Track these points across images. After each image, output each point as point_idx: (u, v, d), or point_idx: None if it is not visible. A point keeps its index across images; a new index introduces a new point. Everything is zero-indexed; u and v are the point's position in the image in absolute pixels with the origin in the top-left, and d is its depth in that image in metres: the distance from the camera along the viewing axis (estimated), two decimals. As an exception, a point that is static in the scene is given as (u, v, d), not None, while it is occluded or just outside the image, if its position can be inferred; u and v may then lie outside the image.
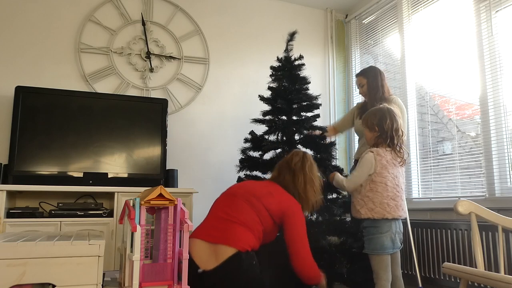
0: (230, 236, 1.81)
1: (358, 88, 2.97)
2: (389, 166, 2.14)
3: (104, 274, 1.62)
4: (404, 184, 2.24)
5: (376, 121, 2.18)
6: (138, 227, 1.52)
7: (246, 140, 2.83)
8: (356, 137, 3.87)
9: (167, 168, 3.02)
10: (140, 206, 1.58)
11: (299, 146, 2.74)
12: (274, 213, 1.93)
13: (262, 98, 2.84)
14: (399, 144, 2.17)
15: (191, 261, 1.75)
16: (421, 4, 3.25)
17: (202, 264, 1.77)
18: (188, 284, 1.69)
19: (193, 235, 1.87)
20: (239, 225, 1.84)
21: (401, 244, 2.20)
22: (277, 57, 2.89)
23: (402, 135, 2.20)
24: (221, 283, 1.75)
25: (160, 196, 1.59)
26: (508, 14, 2.60)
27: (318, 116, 2.78)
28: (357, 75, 3.01)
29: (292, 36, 2.88)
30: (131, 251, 1.56)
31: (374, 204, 2.12)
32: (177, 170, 3.07)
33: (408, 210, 3.06)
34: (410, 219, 2.92)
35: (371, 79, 2.84)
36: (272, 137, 2.77)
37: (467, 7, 2.85)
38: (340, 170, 2.66)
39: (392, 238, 2.11)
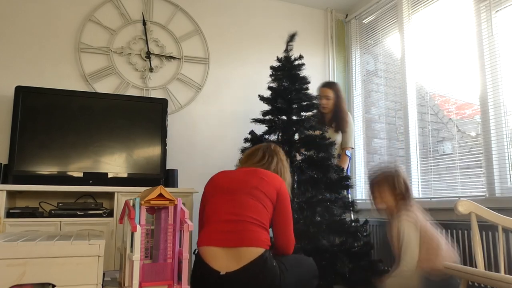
0: (248, 237, 1.77)
1: (321, 98, 3.18)
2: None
3: (104, 274, 1.62)
4: None
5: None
6: (138, 227, 1.52)
7: (246, 140, 2.82)
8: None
9: (167, 168, 3.02)
10: (140, 206, 1.58)
11: (299, 146, 2.74)
12: (273, 196, 1.92)
13: (262, 98, 2.84)
14: None
15: (208, 267, 1.73)
16: (421, 4, 3.25)
17: (222, 268, 1.73)
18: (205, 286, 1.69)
19: (204, 243, 1.80)
20: (252, 224, 1.82)
21: None
22: (277, 57, 2.89)
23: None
24: (246, 283, 1.72)
25: (160, 196, 1.59)
26: (508, 14, 2.60)
27: (318, 115, 2.78)
28: (325, 86, 3.22)
29: (292, 37, 2.88)
30: (131, 251, 1.56)
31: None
32: (177, 170, 3.07)
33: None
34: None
35: (339, 97, 3.23)
36: (272, 137, 2.77)
37: (467, 7, 2.85)
38: (341, 170, 2.66)
39: None
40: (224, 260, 1.74)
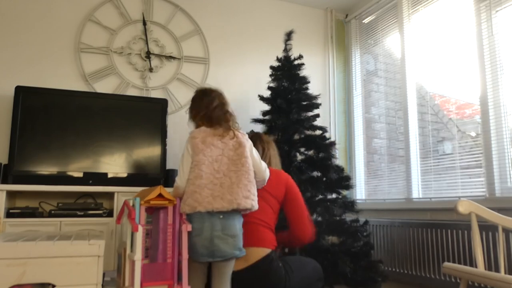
0: (257, 238, 1.80)
1: None
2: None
3: (104, 274, 1.62)
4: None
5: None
6: (140, 227, 1.52)
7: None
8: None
9: (167, 168, 3.02)
10: (139, 206, 1.58)
11: (299, 146, 2.74)
12: (280, 196, 1.94)
13: (262, 98, 2.84)
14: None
15: None
16: (421, 4, 3.25)
17: None
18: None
19: None
20: (262, 226, 1.84)
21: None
22: (277, 57, 2.89)
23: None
24: (252, 282, 1.75)
25: (160, 196, 1.58)
26: (508, 14, 2.60)
27: (318, 116, 2.78)
28: None
29: (289, 35, 2.87)
30: (131, 251, 1.56)
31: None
32: (177, 170, 3.05)
33: (408, 210, 3.07)
34: (410, 219, 2.93)
35: None
36: (272, 137, 2.76)
37: (467, 6, 2.85)
38: (341, 169, 2.66)
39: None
40: None
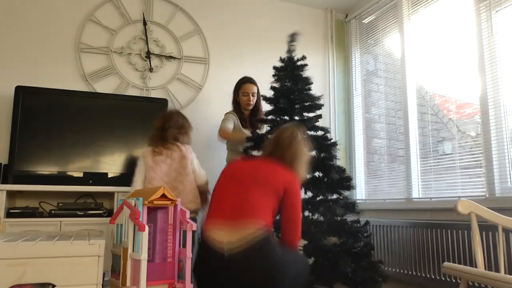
0: (250, 211, 1.79)
1: (250, 96, 3.06)
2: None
3: (104, 274, 1.62)
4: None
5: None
6: (146, 227, 1.53)
7: (247, 140, 2.82)
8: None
9: (167, 168, 3.02)
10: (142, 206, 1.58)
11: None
12: (280, 189, 1.94)
13: (264, 98, 2.84)
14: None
15: (211, 248, 1.72)
16: (421, 4, 3.25)
17: (223, 240, 1.72)
18: (209, 271, 1.70)
19: (209, 227, 1.81)
20: (256, 204, 1.83)
21: None
22: (280, 57, 2.88)
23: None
24: (248, 266, 1.71)
25: (163, 196, 1.59)
26: (508, 14, 2.60)
27: (320, 116, 2.77)
28: (251, 82, 3.07)
29: (294, 36, 2.87)
30: (133, 251, 1.56)
31: None
32: (177, 170, 3.06)
33: (408, 210, 3.07)
34: (410, 219, 2.93)
35: (259, 94, 3.09)
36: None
37: (467, 6, 2.85)
38: (342, 170, 2.66)
39: None
40: (224, 232, 1.73)
